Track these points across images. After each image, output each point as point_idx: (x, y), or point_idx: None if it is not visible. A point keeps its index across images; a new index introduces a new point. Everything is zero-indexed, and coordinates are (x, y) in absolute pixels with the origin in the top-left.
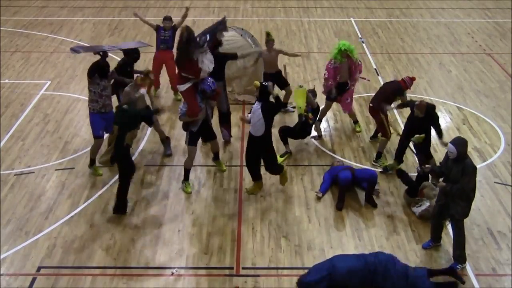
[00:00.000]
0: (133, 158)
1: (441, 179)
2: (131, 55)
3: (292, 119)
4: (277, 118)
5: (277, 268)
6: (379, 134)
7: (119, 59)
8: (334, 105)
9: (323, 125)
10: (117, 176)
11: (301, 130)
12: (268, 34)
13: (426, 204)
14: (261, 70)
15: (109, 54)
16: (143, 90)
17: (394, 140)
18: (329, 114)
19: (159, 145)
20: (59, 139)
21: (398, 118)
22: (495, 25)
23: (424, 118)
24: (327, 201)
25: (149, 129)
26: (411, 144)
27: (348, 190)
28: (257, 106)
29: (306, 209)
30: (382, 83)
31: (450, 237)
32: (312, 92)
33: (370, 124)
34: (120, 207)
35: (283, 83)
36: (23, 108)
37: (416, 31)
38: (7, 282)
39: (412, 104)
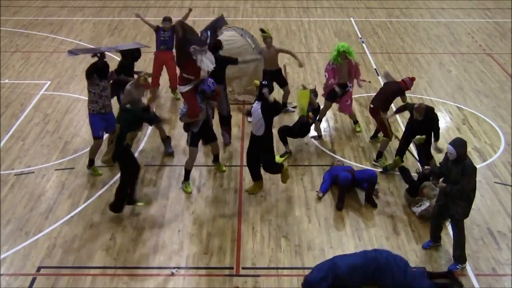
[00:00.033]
0: None
1: (441, 180)
2: (131, 55)
3: (292, 119)
4: (276, 118)
5: (277, 268)
6: (380, 134)
7: (120, 59)
8: (334, 105)
9: (323, 125)
10: (117, 176)
11: (301, 129)
12: (262, 31)
13: (426, 204)
14: (261, 70)
15: (110, 54)
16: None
17: (395, 141)
18: (329, 114)
19: (159, 144)
20: (59, 139)
21: (398, 118)
22: (495, 25)
23: (423, 121)
24: (327, 201)
25: (150, 129)
26: (412, 147)
27: (348, 191)
28: (256, 105)
29: (306, 209)
30: (382, 83)
31: (450, 237)
32: (314, 92)
33: (370, 124)
34: (116, 206)
35: (283, 82)
36: (23, 108)
37: (416, 31)
38: (7, 282)
39: (411, 107)
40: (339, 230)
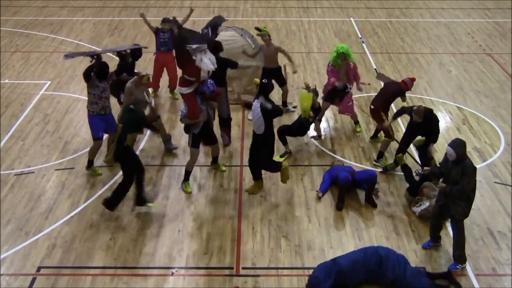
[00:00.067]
0: None
1: (440, 180)
2: (132, 55)
3: (292, 119)
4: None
5: (277, 268)
6: (380, 134)
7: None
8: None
9: (323, 125)
10: (117, 176)
11: (300, 127)
12: (258, 29)
13: (426, 204)
14: (261, 70)
15: (110, 55)
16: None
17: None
18: (329, 114)
19: (159, 144)
20: (59, 139)
21: (399, 119)
22: (495, 25)
23: (423, 123)
24: (327, 201)
25: None
26: (412, 147)
27: (348, 191)
28: (256, 103)
29: (306, 209)
30: (382, 83)
31: (450, 237)
32: (314, 92)
33: (370, 124)
34: (110, 203)
35: (282, 81)
36: (23, 108)
37: (416, 31)
38: (7, 282)
39: (409, 110)
40: (339, 230)
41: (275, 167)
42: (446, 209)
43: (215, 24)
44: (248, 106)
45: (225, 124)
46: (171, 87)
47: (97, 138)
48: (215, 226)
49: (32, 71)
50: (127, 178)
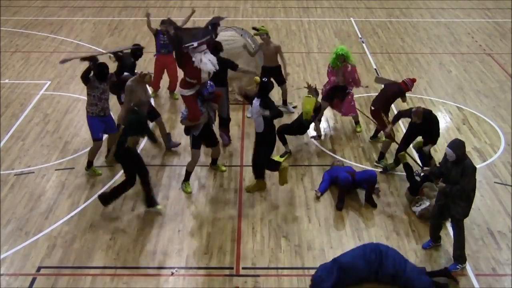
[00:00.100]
0: None
1: (440, 180)
2: (133, 54)
3: (292, 119)
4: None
5: (277, 268)
6: (380, 134)
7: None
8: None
9: (323, 125)
10: (117, 176)
11: (299, 127)
12: (255, 29)
13: (426, 204)
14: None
15: (109, 55)
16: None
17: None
18: (329, 114)
19: (159, 144)
20: (59, 139)
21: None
22: (495, 25)
23: (422, 124)
24: (327, 201)
25: (150, 125)
26: (412, 148)
27: (348, 191)
28: (256, 102)
29: (306, 209)
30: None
31: (450, 237)
32: (315, 91)
33: (370, 124)
34: (105, 199)
35: (281, 80)
36: (23, 108)
37: (416, 31)
38: (7, 282)
39: (409, 112)
40: (339, 230)
41: (273, 165)
42: (446, 209)
43: (215, 23)
44: (247, 98)
45: (224, 124)
46: (171, 89)
47: (97, 139)
48: (215, 226)
49: (32, 71)
50: (129, 179)
